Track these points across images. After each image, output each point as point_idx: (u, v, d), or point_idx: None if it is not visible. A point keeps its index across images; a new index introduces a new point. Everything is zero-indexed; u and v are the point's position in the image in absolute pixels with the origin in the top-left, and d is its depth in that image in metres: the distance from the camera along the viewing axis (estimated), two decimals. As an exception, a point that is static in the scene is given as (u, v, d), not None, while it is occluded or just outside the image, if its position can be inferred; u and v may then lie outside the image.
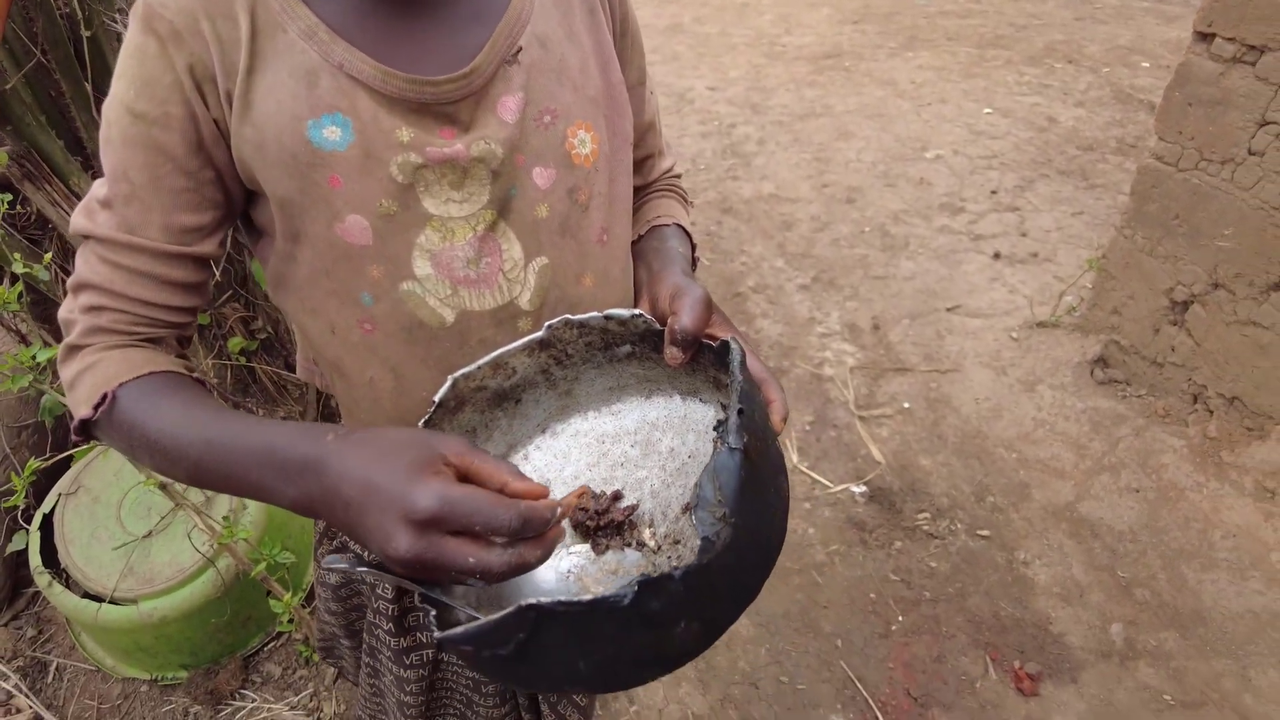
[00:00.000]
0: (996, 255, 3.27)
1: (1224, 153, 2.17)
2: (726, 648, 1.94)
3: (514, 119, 0.74)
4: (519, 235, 0.77)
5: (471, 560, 0.54)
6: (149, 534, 1.72)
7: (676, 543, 0.71)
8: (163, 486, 1.55)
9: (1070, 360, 2.70)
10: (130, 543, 1.70)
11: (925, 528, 2.24)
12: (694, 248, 0.95)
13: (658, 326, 0.72)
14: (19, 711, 1.80)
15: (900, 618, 2.01)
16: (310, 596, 1.99)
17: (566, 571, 0.70)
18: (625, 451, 0.79)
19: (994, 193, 3.70)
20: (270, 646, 1.91)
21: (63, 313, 0.74)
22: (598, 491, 0.76)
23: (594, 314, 0.73)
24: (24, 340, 1.76)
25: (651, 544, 0.70)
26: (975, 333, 2.88)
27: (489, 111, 0.73)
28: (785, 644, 1.96)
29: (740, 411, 0.59)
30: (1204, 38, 2.16)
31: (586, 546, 0.71)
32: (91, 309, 0.72)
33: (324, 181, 0.70)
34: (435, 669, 1.04)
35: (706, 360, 0.72)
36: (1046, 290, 3.01)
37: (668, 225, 0.93)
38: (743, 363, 0.65)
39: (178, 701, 1.81)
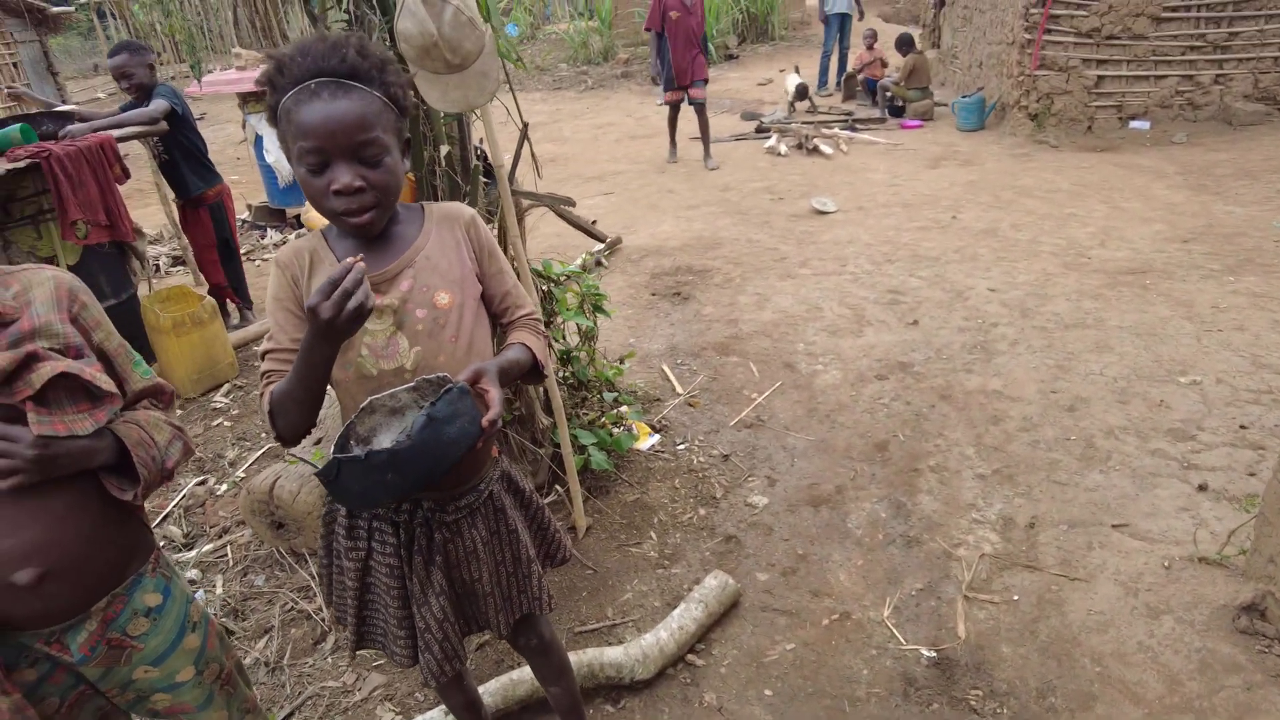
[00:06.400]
0: (1202, 487, 3.14)
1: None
2: (744, 729, 2.38)
3: (407, 289, 1.62)
4: (407, 337, 1.63)
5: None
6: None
7: None
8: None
9: (1216, 601, 2.58)
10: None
11: (972, 703, 2.41)
12: (534, 352, 1.72)
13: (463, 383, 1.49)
14: None
15: (902, 761, 2.25)
16: None
17: None
18: None
19: (1243, 427, 3.48)
20: None
21: (262, 383, 1.58)
22: None
23: (434, 375, 1.55)
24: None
25: None
26: (1129, 553, 2.87)
27: (395, 286, 1.62)
28: (791, 743, 2.33)
29: (433, 404, 1.35)
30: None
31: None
32: (267, 373, 1.57)
33: None
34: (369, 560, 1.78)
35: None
36: (1239, 532, 2.86)
37: (514, 345, 1.73)
38: (451, 392, 1.38)
39: None
